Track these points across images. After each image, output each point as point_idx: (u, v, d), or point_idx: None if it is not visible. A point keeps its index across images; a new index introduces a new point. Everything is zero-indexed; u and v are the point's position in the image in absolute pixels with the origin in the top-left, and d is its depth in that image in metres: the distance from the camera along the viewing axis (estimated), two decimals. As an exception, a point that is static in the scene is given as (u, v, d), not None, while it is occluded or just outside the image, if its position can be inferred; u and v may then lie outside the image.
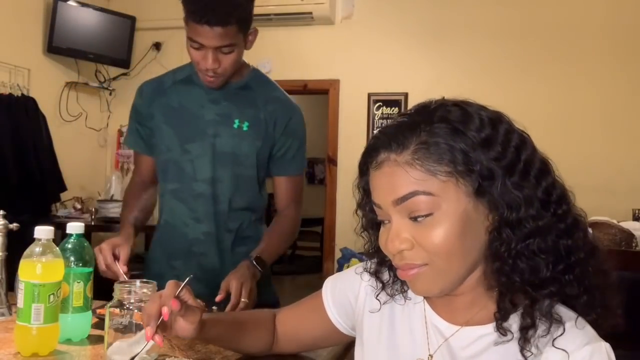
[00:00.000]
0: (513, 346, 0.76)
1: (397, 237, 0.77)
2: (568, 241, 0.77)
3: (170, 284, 0.91)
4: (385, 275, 0.91)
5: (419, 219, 0.75)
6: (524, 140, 0.78)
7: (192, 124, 1.61)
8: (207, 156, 1.59)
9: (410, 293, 0.89)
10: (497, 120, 0.78)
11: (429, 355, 0.84)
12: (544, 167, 0.79)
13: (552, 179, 0.79)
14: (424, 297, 0.88)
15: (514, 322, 0.77)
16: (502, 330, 0.77)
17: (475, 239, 0.76)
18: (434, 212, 0.75)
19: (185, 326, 0.92)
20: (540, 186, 0.77)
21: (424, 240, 0.75)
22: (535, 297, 0.75)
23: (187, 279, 0.93)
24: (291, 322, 1.08)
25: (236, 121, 1.60)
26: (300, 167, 1.70)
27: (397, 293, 0.90)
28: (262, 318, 1.09)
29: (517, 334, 0.76)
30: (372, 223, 0.86)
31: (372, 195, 0.80)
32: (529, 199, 0.75)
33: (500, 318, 0.77)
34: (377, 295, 0.92)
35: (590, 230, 0.82)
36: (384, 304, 0.92)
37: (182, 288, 0.91)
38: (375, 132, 0.85)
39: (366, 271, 0.95)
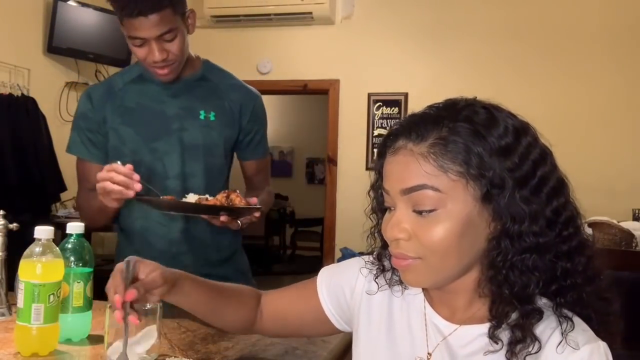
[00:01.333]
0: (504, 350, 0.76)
1: (397, 225, 0.77)
2: (567, 264, 0.77)
3: (115, 275, 0.90)
4: (387, 262, 0.91)
5: (422, 213, 0.76)
6: (544, 156, 0.78)
7: (154, 121, 1.57)
8: (175, 152, 1.56)
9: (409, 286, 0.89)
10: (522, 130, 0.78)
11: (428, 353, 0.84)
12: (559, 186, 0.78)
13: (565, 200, 0.78)
14: (424, 296, 0.88)
15: (505, 331, 0.77)
16: (494, 338, 0.76)
17: (473, 244, 0.77)
18: (439, 208, 0.75)
19: (149, 298, 0.92)
20: (551, 205, 0.76)
21: (422, 234, 0.76)
22: (525, 312, 0.75)
23: (129, 261, 0.92)
24: (281, 304, 1.05)
25: (202, 112, 1.59)
26: (266, 149, 1.76)
27: (396, 283, 0.90)
28: (246, 293, 1.06)
29: (505, 347, 0.76)
30: (380, 206, 0.86)
31: (383, 180, 0.81)
32: (535, 214, 0.74)
33: (492, 326, 0.77)
34: (376, 278, 0.93)
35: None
36: (380, 289, 0.92)
37: (129, 274, 0.90)
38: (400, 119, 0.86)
39: (369, 254, 0.95)
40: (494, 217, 0.75)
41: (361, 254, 1.00)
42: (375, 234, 0.90)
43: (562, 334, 0.74)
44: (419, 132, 0.76)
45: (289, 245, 8.14)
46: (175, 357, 1.04)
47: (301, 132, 8.62)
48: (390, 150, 0.80)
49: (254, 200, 1.45)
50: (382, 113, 4.46)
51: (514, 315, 0.76)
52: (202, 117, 1.59)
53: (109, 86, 1.64)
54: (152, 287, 0.91)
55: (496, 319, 0.77)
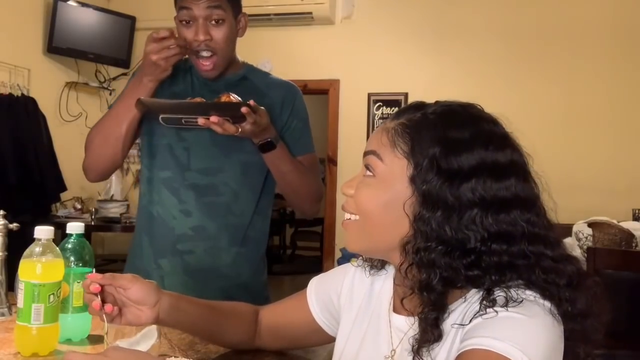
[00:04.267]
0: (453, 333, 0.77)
1: (350, 182, 0.87)
2: (526, 258, 0.76)
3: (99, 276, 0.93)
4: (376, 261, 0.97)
5: (366, 174, 0.85)
6: (514, 171, 0.79)
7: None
8: (203, 144, 1.53)
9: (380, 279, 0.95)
10: (485, 137, 0.79)
11: (392, 349, 0.87)
12: (505, 202, 0.77)
13: (508, 216, 0.77)
14: (391, 301, 0.91)
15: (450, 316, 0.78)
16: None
17: (397, 220, 0.80)
18: (377, 176, 0.83)
19: (141, 315, 0.93)
20: (472, 229, 0.76)
21: (357, 192, 0.85)
22: (425, 302, 0.77)
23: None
24: (274, 318, 1.09)
25: None
26: (309, 145, 1.64)
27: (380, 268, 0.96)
28: (243, 310, 1.10)
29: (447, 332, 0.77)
30: None
31: None
32: (451, 209, 0.75)
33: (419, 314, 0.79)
34: (358, 265, 0.99)
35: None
36: (361, 280, 0.98)
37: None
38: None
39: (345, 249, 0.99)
40: (418, 201, 0.78)
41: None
42: None
43: (482, 304, 0.74)
44: (400, 113, 0.86)
45: (289, 245, 8.15)
46: (175, 357, 1.04)
47: (301, 132, 8.64)
48: None
49: (251, 102, 1.38)
50: (382, 113, 4.47)
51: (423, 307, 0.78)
52: None
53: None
54: (121, 283, 0.93)
55: (421, 309, 0.79)
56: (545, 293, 0.74)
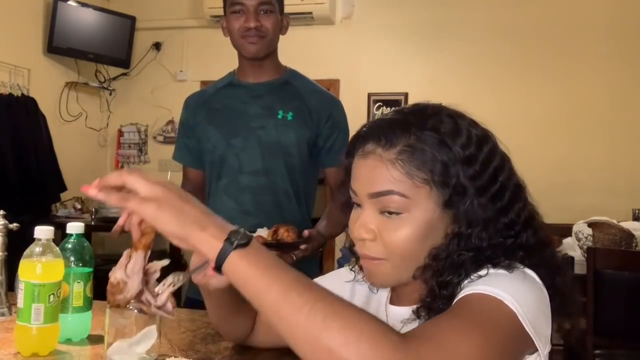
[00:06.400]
0: None
1: (363, 226, 0.82)
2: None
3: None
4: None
5: (388, 215, 0.80)
6: (504, 163, 0.83)
7: (236, 120, 1.65)
8: (253, 148, 1.63)
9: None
10: (483, 139, 0.82)
11: None
12: (517, 191, 0.83)
13: (524, 203, 0.83)
14: (388, 295, 0.93)
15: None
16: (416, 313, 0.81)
17: (432, 245, 0.81)
18: (404, 213, 0.79)
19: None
20: (511, 209, 0.81)
21: (387, 236, 0.80)
22: (434, 295, 0.79)
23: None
24: None
25: (280, 112, 1.65)
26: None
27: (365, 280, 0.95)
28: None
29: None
30: (348, 203, 0.89)
31: (352, 181, 0.84)
32: (488, 221, 0.79)
33: (417, 307, 0.81)
34: (352, 268, 0.99)
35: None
36: (355, 280, 0.98)
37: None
38: (369, 121, 0.89)
39: (345, 248, 0.98)
40: (452, 220, 0.80)
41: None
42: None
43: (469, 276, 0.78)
44: (388, 138, 0.80)
45: (289, 245, 8.14)
46: (175, 357, 1.04)
47: (301, 132, 8.65)
48: (359, 152, 0.84)
49: (305, 233, 1.46)
50: (382, 113, 4.46)
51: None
52: (279, 116, 1.65)
53: (203, 93, 1.78)
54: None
55: (422, 301, 0.81)
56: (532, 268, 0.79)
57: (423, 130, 0.79)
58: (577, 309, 0.84)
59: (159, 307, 0.83)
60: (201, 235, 0.68)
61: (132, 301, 0.87)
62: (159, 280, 0.85)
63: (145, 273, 0.82)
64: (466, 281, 0.77)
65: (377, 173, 0.80)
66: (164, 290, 0.83)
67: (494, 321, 0.69)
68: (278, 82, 1.69)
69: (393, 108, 0.91)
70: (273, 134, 1.63)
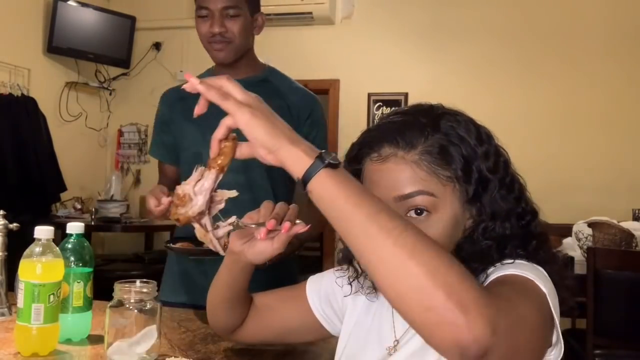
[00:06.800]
0: None
1: None
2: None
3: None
4: (359, 266, 0.96)
5: (415, 216, 0.79)
6: (507, 156, 0.86)
7: (214, 117, 1.61)
8: None
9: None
10: (490, 134, 0.85)
11: (395, 340, 0.89)
12: (520, 183, 0.86)
13: (525, 195, 0.86)
14: None
15: None
16: None
17: (456, 239, 0.83)
18: (432, 212, 0.79)
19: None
20: (522, 199, 0.84)
21: None
22: None
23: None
24: (267, 302, 1.06)
25: None
26: None
27: (370, 291, 0.95)
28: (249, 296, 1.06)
29: None
30: None
31: (368, 187, 0.82)
32: (509, 211, 0.82)
33: None
34: (351, 282, 0.99)
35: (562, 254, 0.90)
36: (355, 293, 0.98)
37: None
38: (372, 126, 0.88)
39: (344, 262, 1.01)
40: (474, 214, 0.82)
41: None
42: None
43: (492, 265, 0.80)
44: (407, 140, 0.80)
45: (289, 245, 8.15)
46: (175, 357, 1.04)
47: (301, 132, 8.64)
48: (374, 158, 0.82)
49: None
50: (382, 113, 4.46)
51: None
52: None
53: (180, 89, 1.73)
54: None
55: None
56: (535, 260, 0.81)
57: (439, 129, 0.80)
58: (570, 293, 0.86)
59: (217, 239, 0.80)
60: (292, 149, 0.67)
61: (193, 217, 0.78)
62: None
63: (211, 200, 0.79)
64: (492, 268, 0.78)
65: (402, 175, 0.79)
66: (224, 226, 0.82)
67: (538, 295, 0.72)
68: (255, 79, 1.66)
69: (393, 109, 0.90)
70: None
